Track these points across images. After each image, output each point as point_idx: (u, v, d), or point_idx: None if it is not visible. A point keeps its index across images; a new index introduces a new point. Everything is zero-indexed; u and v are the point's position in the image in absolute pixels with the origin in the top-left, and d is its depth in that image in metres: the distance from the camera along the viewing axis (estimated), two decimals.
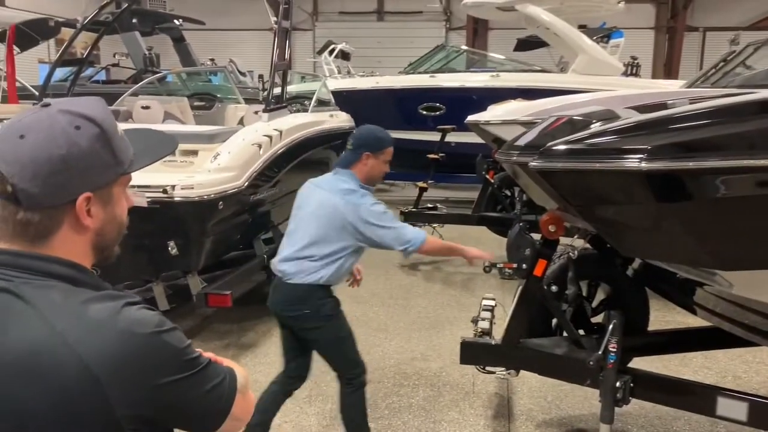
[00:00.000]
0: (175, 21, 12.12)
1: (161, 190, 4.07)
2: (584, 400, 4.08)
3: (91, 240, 1.13)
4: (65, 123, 1.07)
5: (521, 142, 3.15)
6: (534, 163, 2.58)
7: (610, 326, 3.00)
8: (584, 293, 3.73)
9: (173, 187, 4.11)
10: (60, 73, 9.86)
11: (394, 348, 4.96)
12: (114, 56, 14.51)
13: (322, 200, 3.13)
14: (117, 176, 1.14)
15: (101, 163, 1.10)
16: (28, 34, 9.32)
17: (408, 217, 7.07)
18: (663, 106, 3.76)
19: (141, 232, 4.36)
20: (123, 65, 13.87)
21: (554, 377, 3.48)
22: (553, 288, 3.43)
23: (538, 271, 3.26)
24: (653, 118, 2.47)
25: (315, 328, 3.16)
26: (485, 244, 8.25)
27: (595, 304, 3.84)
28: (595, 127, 2.71)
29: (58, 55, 6.28)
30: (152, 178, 4.23)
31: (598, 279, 3.72)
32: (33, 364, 1.00)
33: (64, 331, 1.01)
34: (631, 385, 3.05)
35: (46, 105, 1.10)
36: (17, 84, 9.34)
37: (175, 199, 4.13)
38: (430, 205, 7.32)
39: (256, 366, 4.60)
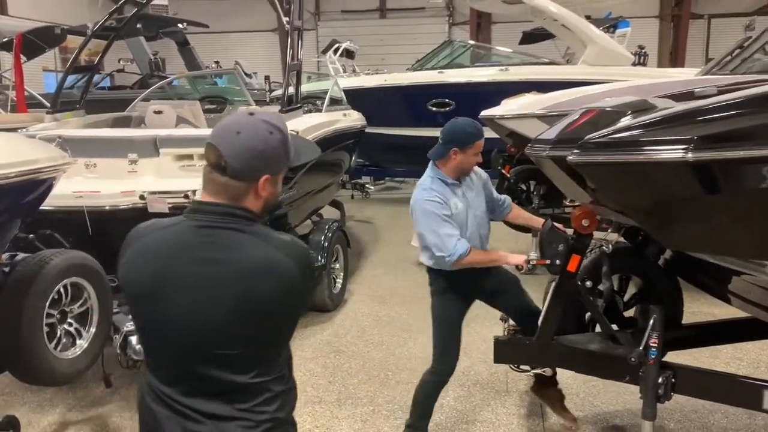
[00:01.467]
0: (179, 25, 12.05)
1: (182, 195, 4.02)
2: (617, 395, 4.02)
3: (261, 205, 1.69)
4: (264, 129, 1.66)
5: (551, 135, 3.09)
6: (573, 157, 2.53)
7: (651, 321, 2.93)
8: (616, 287, 3.68)
9: (194, 192, 4.05)
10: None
11: (420, 347, 4.90)
12: (119, 62, 14.47)
13: None
14: (286, 167, 1.76)
15: (280, 158, 1.70)
16: (35, 42, 9.28)
17: None
18: (690, 94, 3.70)
19: None
20: (128, 71, 13.83)
21: (591, 374, 3.42)
22: (588, 283, 3.37)
23: (572, 267, 3.20)
24: (696, 108, 2.40)
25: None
26: (501, 240, 8.17)
27: (626, 297, 3.79)
28: (633, 118, 2.64)
29: (69, 62, 6.23)
30: (172, 184, 4.19)
31: (631, 272, 3.66)
32: (268, 268, 1.62)
33: (282, 248, 1.66)
34: (673, 380, 2.99)
35: (252, 114, 1.70)
36: (25, 93, 9.31)
37: None
38: None
39: None
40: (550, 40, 12.16)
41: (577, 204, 3.66)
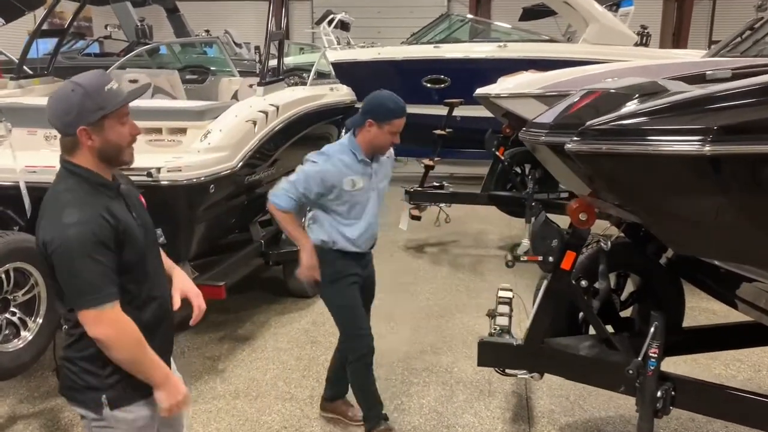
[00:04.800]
0: None
1: (146, 173, 3.69)
2: (609, 399, 3.75)
3: (96, 155, 1.89)
4: (68, 88, 1.87)
5: (549, 119, 2.78)
6: (572, 146, 2.21)
7: (652, 328, 2.64)
8: (612, 285, 3.39)
9: (159, 169, 3.74)
10: (50, 45, 9.37)
11: (402, 339, 4.63)
12: (105, 28, 14.00)
13: None
14: (100, 116, 1.86)
15: (87, 109, 1.85)
16: (13, 4, 8.84)
17: (413, 197, 6.69)
18: (702, 77, 3.38)
19: None
20: (115, 37, 13.38)
21: (584, 382, 3.15)
22: (583, 283, 3.08)
23: (566, 265, 2.91)
24: (715, 93, 2.08)
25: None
26: (493, 224, 7.91)
27: (623, 296, 3.51)
28: (640, 102, 2.33)
29: (36, 26, 5.83)
30: (136, 160, 3.86)
31: (630, 270, 3.37)
32: (41, 225, 1.89)
33: (48, 212, 1.89)
34: (672, 393, 2.71)
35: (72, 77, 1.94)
36: (3, 57, 8.89)
37: (162, 182, 3.76)
38: (436, 184, 6.93)
39: (253, 362, 4.26)
40: (552, 18, 11.78)
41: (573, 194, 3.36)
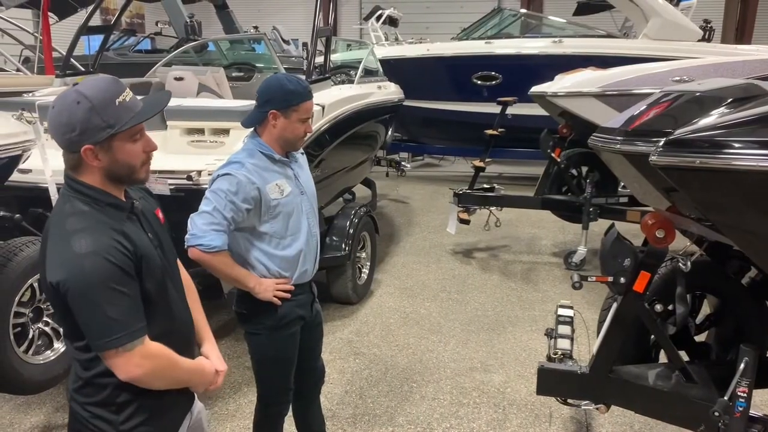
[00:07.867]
0: None
1: (185, 176, 3.54)
2: (678, 429, 3.42)
3: (103, 174, 1.66)
4: (71, 99, 1.60)
5: (625, 124, 2.48)
6: (656, 158, 1.92)
7: (741, 365, 2.33)
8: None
9: (199, 173, 3.58)
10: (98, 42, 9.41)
11: (450, 354, 4.37)
12: (156, 24, 14.12)
13: None
14: (109, 135, 1.61)
15: (94, 127, 1.60)
16: (65, 0, 8.91)
17: (462, 200, 6.41)
18: None
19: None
20: (165, 34, 13.48)
21: (657, 418, 2.83)
22: (657, 307, 2.77)
23: (639, 287, 2.61)
24: None
25: None
26: (545, 228, 7.57)
27: (698, 318, 3.18)
28: (737, 106, 2.02)
29: (84, 22, 5.77)
30: (177, 163, 3.72)
31: (709, 291, 3.04)
32: (49, 254, 1.62)
33: (58, 239, 1.60)
34: None
35: (75, 84, 1.67)
36: (56, 54, 8.96)
37: (202, 186, 3.58)
38: (486, 186, 6.63)
39: None
40: (608, 12, 11.31)
41: (646, 207, 3.05)
